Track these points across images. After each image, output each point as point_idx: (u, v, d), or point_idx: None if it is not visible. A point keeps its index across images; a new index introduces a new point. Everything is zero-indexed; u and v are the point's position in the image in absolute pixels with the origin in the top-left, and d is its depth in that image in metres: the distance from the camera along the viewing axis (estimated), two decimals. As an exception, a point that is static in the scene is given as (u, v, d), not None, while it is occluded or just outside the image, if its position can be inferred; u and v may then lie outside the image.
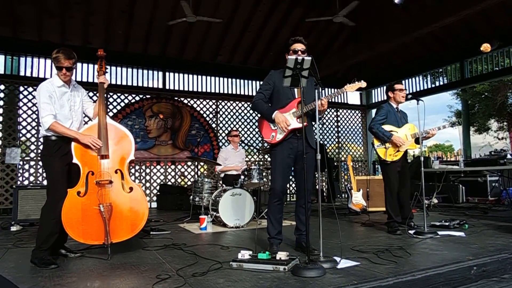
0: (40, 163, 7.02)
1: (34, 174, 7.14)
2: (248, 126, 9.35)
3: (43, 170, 7.02)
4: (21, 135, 7.15)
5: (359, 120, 10.97)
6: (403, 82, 9.93)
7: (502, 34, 7.38)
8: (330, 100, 3.25)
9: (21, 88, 7.22)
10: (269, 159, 9.26)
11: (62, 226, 3.00)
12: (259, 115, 3.45)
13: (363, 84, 3.20)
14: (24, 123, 7.15)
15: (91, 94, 7.60)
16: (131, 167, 7.86)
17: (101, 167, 3.16)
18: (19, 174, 7.04)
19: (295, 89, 3.26)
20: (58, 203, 2.99)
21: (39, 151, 7.08)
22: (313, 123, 3.42)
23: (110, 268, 2.82)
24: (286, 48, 3.31)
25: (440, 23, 6.53)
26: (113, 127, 3.33)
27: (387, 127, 4.32)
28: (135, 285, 2.39)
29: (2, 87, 7.08)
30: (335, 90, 3.27)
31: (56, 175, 3.06)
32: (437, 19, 6.45)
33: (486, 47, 7.14)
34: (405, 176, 4.36)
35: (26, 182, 7.05)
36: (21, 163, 7.02)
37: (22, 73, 7.38)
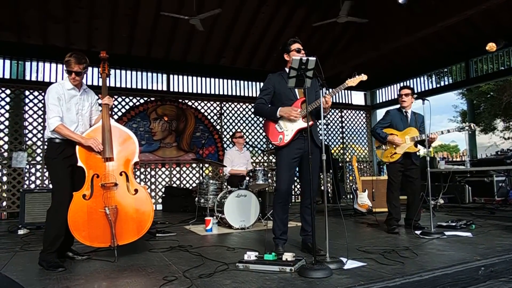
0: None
1: (40, 178, 7.19)
2: (253, 128, 9.35)
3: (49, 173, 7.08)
4: (27, 139, 7.20)
5: (364, 120, 10.94)
6: (408, 82, 9.92)
7: (507, 33, 7.33)
8: (333, 100, 3.23)
9: (27, 93, 7.27)
10: (273, 160, 9.28)
11: (69, 229, 3.02)
12: (264, 119, 3.42)
13: (364, 77, 3.16)
14: (30, 127, 7.20)
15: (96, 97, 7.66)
16: (136, 169, 7.89)
17: (106, 170, 3.17)
18: (25, 178, 7.09)
19: (296, 90, 3.25)
20: (63, 206, 3.00)
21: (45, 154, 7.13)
22: (318, 122, 3.41)
23: (117, 270, 2.83)
24: (285, 48, 3.29)
25: (444, 23, 6.49)
26: (117, 129, 3.34)
27: (388, 131, 4.44)
28: (142, 287, 2.40)
29: (8, 91, 7.13)
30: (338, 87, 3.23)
31: (59, 178, 3.07)
32: (442, 18, 6.42)
33: (491, 46, 7.10)
34: (411, 178, 4.37)
35: (32, 186, 7.09)
36: (27, 167, 7.07)
37: (27, 78, 7.43)
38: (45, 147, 6.91)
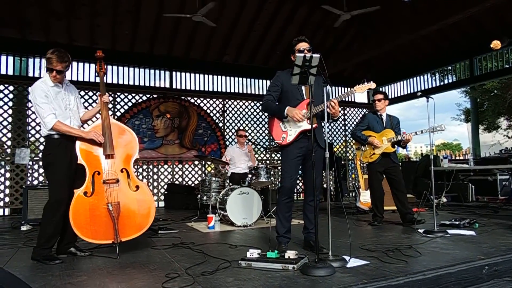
0: (41, 162, 7.07)
1: (43, 174, 7.20)
2: (255, 125, 9.34)
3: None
4: (30, 135, 7.22)
5: (367, 118, 10.89)
6: (411, 79, 9.88)
7: (512, 30, 7.29)
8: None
9: (30, 89, 7.27)
10: (276, 158, 9.27)
11: (71, 226, 3.02)
12: (268, 117, 3.44)
13: (372, 85, 3.23)
14: (33, 124, 7.21)
15: (97, 94, 7.67)
16: (138, 166, 7.90)
17: (107, 167, 3.17)
18: (28, 174, 7.11)
19: (303, 89, 3.25)
20: (62, 203, 3.00)
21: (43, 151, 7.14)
22: (323, 123, 3.40)
23: (119, 267, 2.82)
24: (291, 49, 3.32)
25: (448, 20, 6.45)
26: (117, 126, 3.34)
27: (366, 133, 4.78)
28: (144, 284, 2.39)
29: (11, 88, 7.15)
30: (346, 90, 3.24)
31: (58, 175, 3.05)
32: (446, 16, 6.38)
33: (496, 44, 7.05)
34: (392, 175, 4.67)
35: (35, 182, 7.11)
36: (30, 163, 7.09)
37: (30, 74, 7.44)
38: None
